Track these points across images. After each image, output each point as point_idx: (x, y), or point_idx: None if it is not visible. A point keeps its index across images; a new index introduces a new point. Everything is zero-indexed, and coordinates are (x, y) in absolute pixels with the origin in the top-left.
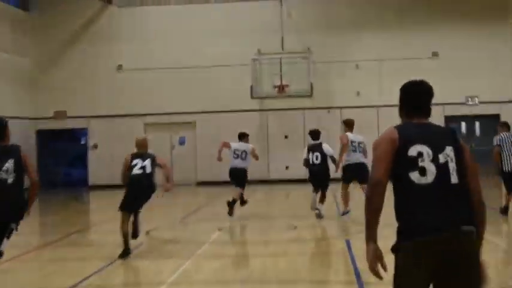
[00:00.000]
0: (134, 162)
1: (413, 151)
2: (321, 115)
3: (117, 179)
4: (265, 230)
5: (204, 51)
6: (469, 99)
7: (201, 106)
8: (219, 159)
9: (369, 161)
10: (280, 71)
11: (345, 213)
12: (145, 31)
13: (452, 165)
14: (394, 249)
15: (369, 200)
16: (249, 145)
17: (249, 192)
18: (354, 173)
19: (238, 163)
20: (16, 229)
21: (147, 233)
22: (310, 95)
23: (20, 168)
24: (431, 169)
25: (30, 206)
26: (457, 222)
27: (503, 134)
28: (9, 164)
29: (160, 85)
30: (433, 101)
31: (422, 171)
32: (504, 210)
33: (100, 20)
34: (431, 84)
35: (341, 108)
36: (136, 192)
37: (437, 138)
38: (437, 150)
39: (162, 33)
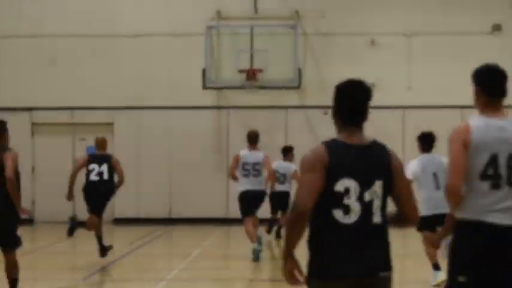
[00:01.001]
0: (91, 167)
1: (340, 186)
2: (313, 117)
3: None
4: None
5: (128, 13)
6: None
7: (122, 98)
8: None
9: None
10: (251, 47)
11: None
12: None
13: (377, 203)
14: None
15: (292, 228)
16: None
17: (199, 237)
18: (248, 203)
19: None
20: None
21: None
22: (298, 86)
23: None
24: (355, 208)
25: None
26: (372, 268)
27: None
28: None
29: (58, 63)
30: None
31: (347, 210)
32: None
33: None
34: None
35: None
36: (94, 197)
37: (369, 170)
38: (365, 186)
39: None
